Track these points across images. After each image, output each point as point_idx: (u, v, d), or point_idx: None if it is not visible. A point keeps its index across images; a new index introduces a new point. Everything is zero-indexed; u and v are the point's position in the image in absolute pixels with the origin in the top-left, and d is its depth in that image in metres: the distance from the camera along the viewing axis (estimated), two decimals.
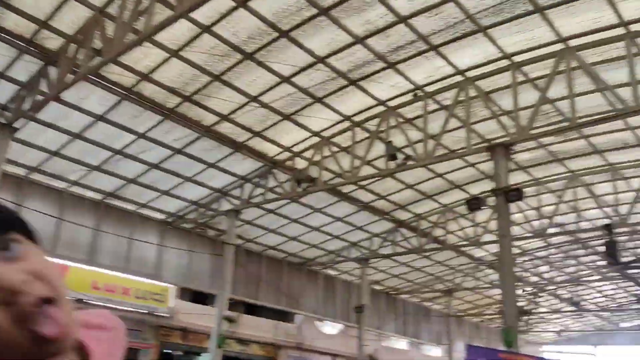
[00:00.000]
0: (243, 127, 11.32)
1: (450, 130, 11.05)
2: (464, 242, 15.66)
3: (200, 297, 15.83)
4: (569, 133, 11.73)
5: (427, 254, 17.39)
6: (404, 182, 13.90)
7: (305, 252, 17.27)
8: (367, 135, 11.37)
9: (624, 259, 14.47)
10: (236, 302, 15.46)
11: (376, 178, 13.49)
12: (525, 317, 17.25)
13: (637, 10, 8.26)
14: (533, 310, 21.44)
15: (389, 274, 19.93)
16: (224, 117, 10.91)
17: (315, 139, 11.91)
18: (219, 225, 14.95)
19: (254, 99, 10.39)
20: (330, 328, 19.55)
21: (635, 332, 28.70)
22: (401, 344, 23.33)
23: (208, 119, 11.05)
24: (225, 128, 11.40)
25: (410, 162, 10.35)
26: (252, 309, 17.03)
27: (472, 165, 13.06)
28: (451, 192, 14.44)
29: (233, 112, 10.82)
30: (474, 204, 9.51)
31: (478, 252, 18.29)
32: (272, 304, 17.26)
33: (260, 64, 9.46)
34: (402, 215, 15.81)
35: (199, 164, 12.28)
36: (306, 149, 12.15)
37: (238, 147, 11.85)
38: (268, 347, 17.32)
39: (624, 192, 13.43)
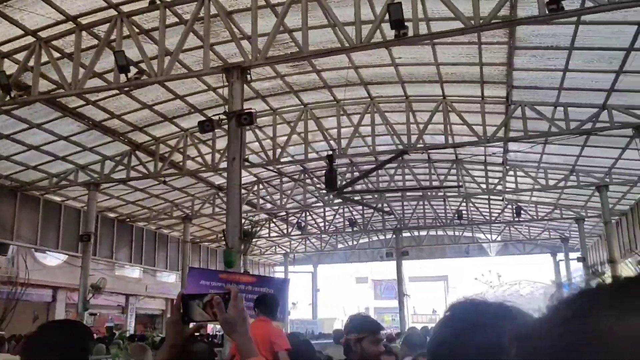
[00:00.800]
0: None
1: (189, 49, 10.52)
2: (202, 168, 15.54)
3: None
4: (303, 66, 12.34)
5: (166, 179, 16.87)
6: (140, 101, 12.93)
7: (21, 174, 15.01)
8: (95, 42, 10.06)
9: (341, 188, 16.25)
10: None
11: (109, 94, 12.28)
12: (251, 239, 18.24)
13: None
14: (258, 234, 22.92)
15: (124, 201, 18.86)
16: None
17: (31, 39, 10.05)
18: None
19: None
20: (53, 259, 17.74)
21: (347, 251, 33.49)
22: (135, 272, 22.71)
23: None
24: None
25: (144, 78, 9.51)
26: None
27: (214, 89, 12.81)
28: (191, 116, 13.99)
29: None
30: (207, 125, 9.30)
31: (218, 180, 18.50)
32: None
33: None
34: (139, 137, 14.84)
35: None
36: (18, 50, 10.19)
37: None
38: None
39: (346, 126, 14.89)
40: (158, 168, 15.13)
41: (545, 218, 22.70)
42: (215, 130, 13.46)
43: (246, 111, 8.37)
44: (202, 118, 13.86)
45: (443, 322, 0.99)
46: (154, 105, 13.25)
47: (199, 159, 15.54)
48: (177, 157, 15.52)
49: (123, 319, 22.67)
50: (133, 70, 9.73)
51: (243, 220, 8.95)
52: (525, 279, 45.97)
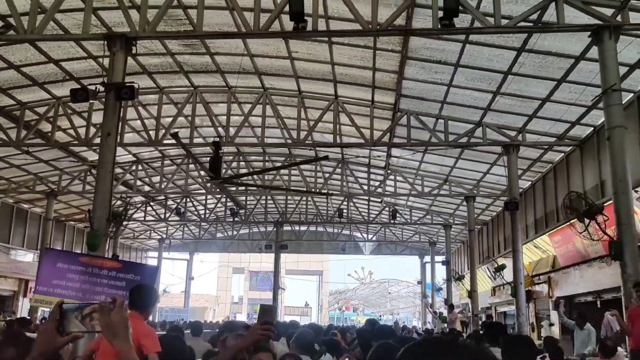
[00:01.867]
0: None
1: (69, 10, 9.56)
2: (74, 142, 14.26)
3: None
4: (196, 46, 11.78)
5: (29, 149, 15.26)
6: (6, 60, 11.50)
7: None
8: None
9: (225, 176, 15.85)
10: None
11: None
12: (121, 222, 17.14)
13: None
14: (131, 216, 21.68)
15: None
16: None
17: None
18: None
19: None
20: None
21: (226, 240, 32.95)
22: None
23: None
24: None
25: (11, 33, 8.43)
26: None
27: (94, 58, 11.72)
28: (66, 84, 12.69)
29: None
30: (81, 94, 8.46)
31: (92, 156, 17.12)
32: None
33: None
34: (1, 100, 13.24)
35: None
36: None
37: None
38: None
39: (236, 115, 14.49)
40: (21, 136, 13.62)
41: (418, 222, 23.99)
42: (93, 102, 12.48)
43: (127, 84, 7.72)
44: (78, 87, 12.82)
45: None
46: (22, 66, 11.87)
47: (72, 132, 14.25)
48: (46, 127, 14.09)
49: None
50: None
51: (114, 201, 8.28)
52: (394, 278, 48.63)
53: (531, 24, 8.32)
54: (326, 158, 17.21)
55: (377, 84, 12.36)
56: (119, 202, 19.81)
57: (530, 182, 16.27)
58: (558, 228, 14.04)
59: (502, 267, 16.06)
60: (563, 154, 13.87)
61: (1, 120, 13.63)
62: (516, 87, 11.04)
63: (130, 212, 23.40)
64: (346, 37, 10.43)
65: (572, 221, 11.96)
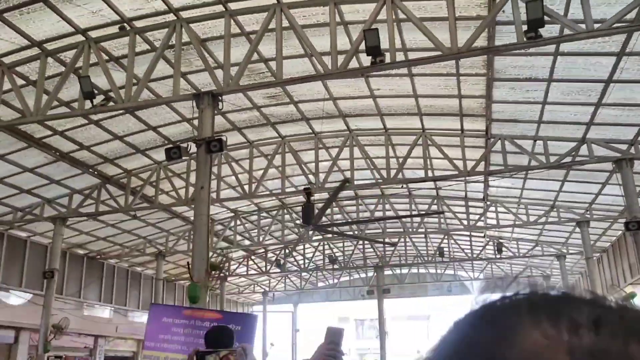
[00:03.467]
0: None
1: (161, 78, 10.22)
2: (175, 202, 14.99)
3: None
4: (280, 97, 12.09)
5: (137, 214, 16.26)
6: (111, 132, 12.48)
7: None
8: (61, 69, 9.67)
9: (320, 223, 15.82)
10: None
11: (77, 123, 11.84)
12: (219, 273, 17.50)
13: None
14: (225, 267, 22.15)
15: (94, 236, 18.13)
16: None
17: None
18: None
19: None
20: (16, 298, 16.81)
21: (328, 289, 32.75)
22: (105, 311, 21.69)
23: None
24: None
25: (110, 104, 9.11)
26: None
27: (188, 120, 12.42)
28: (164, 149, 13.50)
29: None
30: (174, 153, 8.86)
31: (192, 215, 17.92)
32: None
33: None
34: (109, 169, 14.32)
35: None
36: None
37: None
38: None
39: (325, 160, 14.57)
40: (129, 202, 14.55)
41: (527, 255, 22.41)
42: (191, 163, 13.11)
43: (216, 138, 7.98)
44: None
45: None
46: (125, 136, 12.81)
47: (173, 193, 15.03)
48: (150, 191, 14.98)
49: None
50: (100, 98, 9.38)
51: (212, 254, 8.42)
52: None
53: (628, 24, 7.62)
54: (442, 213, 16.82)
55: (465, 112, 11.92)
56: (214, 254, 20.33)
57: None
58: None
59: (632, 295, 14.34)
60: None
61: (111, 189, 14.69)
62: (620, 95, 10.12)
63: (231, 265, 24.07)
64: (427, 67, 10.21)
65: None
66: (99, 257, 19.74)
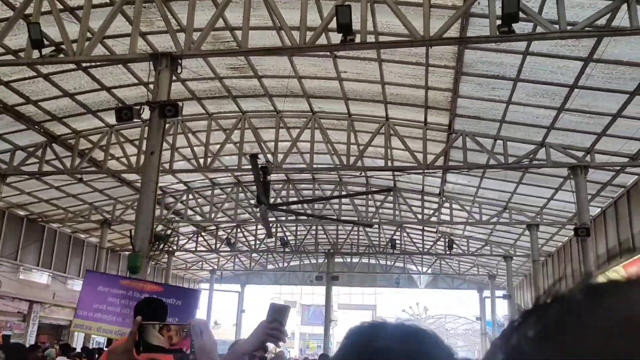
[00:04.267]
0: None
1: (118, 36, 9.66)
2: (126, 169, 14.35)
3: None
4: (244, 69, 11.66)
5: (83, 178, 15.52)
6: (61, 87, 11.75)
7: None
8: (9, 13, 8.97)
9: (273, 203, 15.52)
10: None
11: (25, 75, 11.10)
12: (164, 244, 16.92)
13: None
14: (172, 240, 21.55)
15: (36, 198, 17.24)
16: None
17: None
18: None
19: None
20: None
21: (277, 272, 32.55)
22: (43, 277, 20.80)
23: None
24: None
25: (61, 56, 8.50)
26: None
27: (145, 84, 11.82)
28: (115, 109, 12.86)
29: None
30: (125, 114, 8.35)
31: None
32: None
33: None
34: (57, 129, 13.55)
35: None
36: None
37: None
38: None
39: (285, 140, 14.23)
40: (75, 164, 13.84)
41: (476, 253, 22.79)
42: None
43: (171, 102, 7.54)
44: None
45: (342, 350, 0.80)
46: (76, 94, 12.10)
47: (124, 160, 14.38)
48: (99, 155, 14.30)
49: (24, 328, 20.60)
50: (50, 49, 8.74)
51: (157, 225, 8.02)
52: (451, 314, 46.59)
53: (599, 29, 7.61)
54: (390, 190, 16.71)
55: (430, 104, 11.81)
56: (159, 225, 19.69)
57: (600, 209, 15.04)
58: (635, 258, 12.77)
59: None
60: (637, 176, 12.71)
61: (57, 148, 13.92)
62: (583, 102, 10.21)
63: (180, 240, 23.50)
64: (397, 54, 10.01)
65: None
66: (40, 219, 18.82)
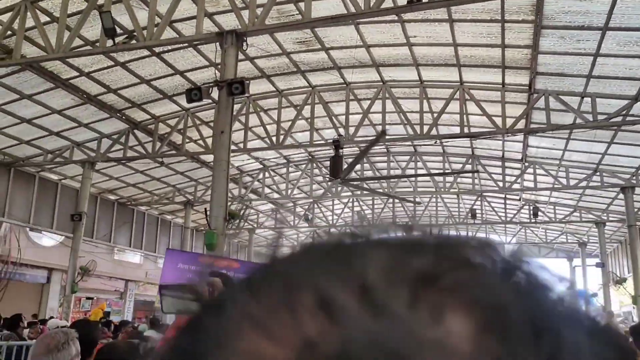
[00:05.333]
0: None
1: (186, 19, 9.80)
2: (203, 151, 14.76)
3: None
4: (311, 43, 11.50)
5: (165, 161, 16.15)
6: (137, 74, 12.19)
7: (14, 149, 14.40)
8: (84, 6, 9.32)
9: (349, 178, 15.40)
10: None
11: (103, 65, 11.59)
12: (238, 220, 17.21)
13: None
14: (246, 216, 21.85)
15: (124, 183, 18.22)
16: None
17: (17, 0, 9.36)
18: None
19: None
20: (48, 239, 17.17)
21: None
22: (136, 257, 22.11)
23: None
24: None
25: (133, 42, 8.76)
26: None
27: (215, 65, 11.98)
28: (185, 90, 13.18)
29: None
30: (195, 94, 8.49)
31: None
32: None
33: None
34: (137, 115, 14.14)
35: None
36: (1, 12, 9.51)
37: None
38: None
39: (356, 113, 13.99)
40: (156, 148, 14.41)
41: (564, 220, 21.58)
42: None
43: (238, 79, 7.55)
44: None
45: None
46: (152, 80, 12.50)
47: (201, 142, 14.79)
48: (177, 139, 14.80)
49: (121, 305, 22.11)
50: (123, 37, 9.04)
51: (231, 203, 8.14)
52: None
53: None
54: (476, 172, 16.17)
55: (508, 63, 11.10)
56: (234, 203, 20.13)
57: None
58: None
59: None
60: None
61: (139, 134, 14.55)
62: None
63: (245, 211, 24.00)
64: (469, 12, 9.44)
65: None
66: (129, 203, 19.92)
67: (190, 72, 12.42)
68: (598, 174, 15.72)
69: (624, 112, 11.28)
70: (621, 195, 16.22)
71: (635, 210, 16.56)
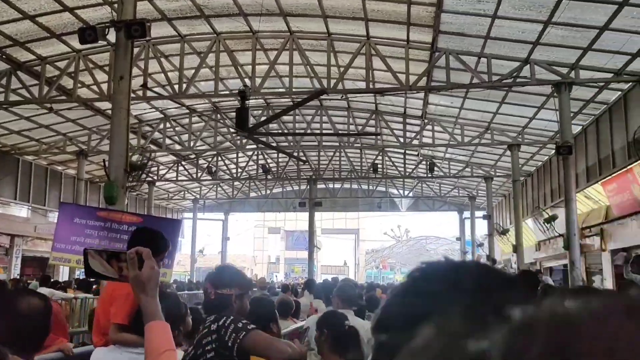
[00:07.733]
0: None
1: None
2: (95, 97, 13.78)
3: None
4: None
5: (54, 107, 14.88)
6: (19, 8, 10.94)
7: None
8: None
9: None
10: None
11: None
12: (140, 173, 16.50)
13: None
14: (149, 168, 20.95)
15: (7, 129, 16.64)
16: None
17: None
18: None
19: None
20: None
21: (260, 200, 32.66)
22: (23, 210, 20.54)
23: None
24: None
25: None
26: None
27: (110, 4, 11.03)
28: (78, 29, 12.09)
29: None
30: (89, 34, 7.80)
31: None
32: None
33: None
34: (20, 55, 12.80)
35: None
36: None
37: None
38: None
39: (263, 64, 13.68)
40: (44, 93, 13.21)
41: (457, 175, 22.97)
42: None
43: (138, 20, 7.01)
44: None
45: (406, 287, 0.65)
46: (37, 16, 11.30)
47: (95, 88, 13.77)
48: (68, 83, 13.64)
49: (7, 262, 20.58)
50: None
51: (132, 154, 7.75)
52: (432, 235, 47.86)
53: None
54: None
55: (413, 20, 11.29)
56: (135, 153, 19.29)
57: (581, 127, 15.03)
58: (613, 175, 12.92)
59: (554, 217, 15.00)
60: (620, 92, 12.59)
61: (23, 76, 13.22)
62: (570, 14, 9.82)
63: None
64: None
65: (633, 164, 10.88)
66: (13, 152, 18.30)
67: (81, 9, 11.38)
68: (489, 132, 16.77)
69: (515, 74, 12.01)
70: (508, 152, 17.49)
71: (520, 166, 17.96)
